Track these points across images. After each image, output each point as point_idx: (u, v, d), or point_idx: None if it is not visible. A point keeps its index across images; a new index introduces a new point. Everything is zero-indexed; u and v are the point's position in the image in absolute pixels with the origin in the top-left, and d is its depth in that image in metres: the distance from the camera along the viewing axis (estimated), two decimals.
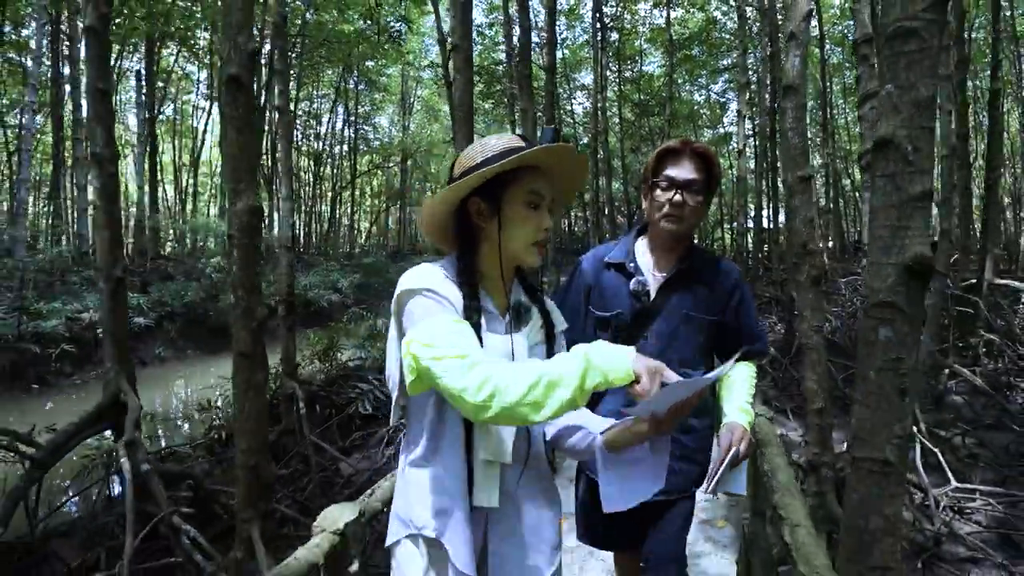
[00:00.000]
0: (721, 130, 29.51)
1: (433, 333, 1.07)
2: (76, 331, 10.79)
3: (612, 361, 1.00)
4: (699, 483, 1.79)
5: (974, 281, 9.90)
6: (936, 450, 5.20)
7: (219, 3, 12.87)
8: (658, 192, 1.72)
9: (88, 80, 3.76)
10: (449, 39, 4.27)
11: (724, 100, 27.25)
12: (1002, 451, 5.77)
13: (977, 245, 12.96)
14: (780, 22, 11.19)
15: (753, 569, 2.59)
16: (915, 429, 5.62)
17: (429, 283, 1.16)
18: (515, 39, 14.35)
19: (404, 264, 25.27)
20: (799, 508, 1.96)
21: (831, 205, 22.52)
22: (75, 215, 14.62)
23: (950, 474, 4.88)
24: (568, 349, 1.60)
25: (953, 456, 5.69)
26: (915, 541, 4.21)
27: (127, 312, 3.92)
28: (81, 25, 14.85)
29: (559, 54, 17.71)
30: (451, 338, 1.07)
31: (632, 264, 1.80)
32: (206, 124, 21.41)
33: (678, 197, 1.69)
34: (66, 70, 13.57)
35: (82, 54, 15.16)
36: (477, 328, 1.14)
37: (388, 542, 1.25)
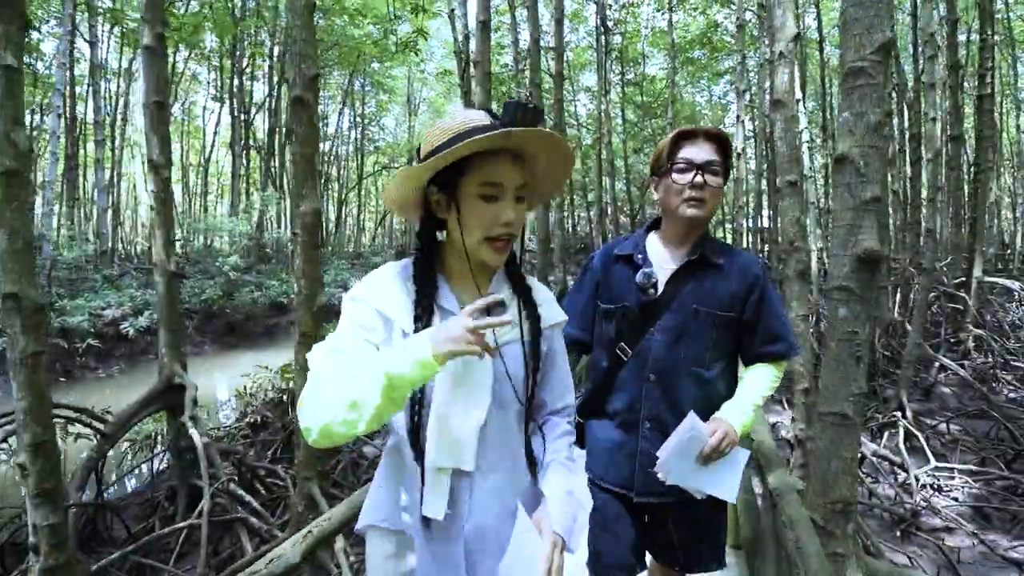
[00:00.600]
0: (731, 118, 29.88)
1: (321, 351, 1.05)
2: (99, 327, 11.20)
3: (405, 362, 0.92)
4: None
5: (964, 279, 10.30)
6: (919, 434, 5.60)
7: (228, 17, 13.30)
8: (676, 176, 1.62)
9: (145, 94, 4.17)
10: (473, 57, 4.67)
11: (726, 102, 27.56)
12: (983, 437, 6.15)
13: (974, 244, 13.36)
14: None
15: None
16: (901, 416, 6.03)
17: (364, 290, 1.12)
18: (521, 43, 14.76)
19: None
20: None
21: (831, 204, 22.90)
22: (95, 215, 15.06)
23: (930, 455, 5.28)
24: (575, 349, 1.78)
25: (937, 441, 6.09)
26: (896, 514, 4.61)
27: (179, 304, 4.34)
28: (103, 29, 15.29)
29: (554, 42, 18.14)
30: (324, 360, 1.03)
31: (640, 256, 1.70)
32: (216, 125, 21.83)
33: (699, 178, 1.60)
34: (73, 72, 14.01)
35: (103, 60, 15.59)
36: (419, 327, 1.06)
37: (357, 526, 1.21)
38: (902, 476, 5.18)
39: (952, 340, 9.81)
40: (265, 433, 5.72)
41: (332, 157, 26.35)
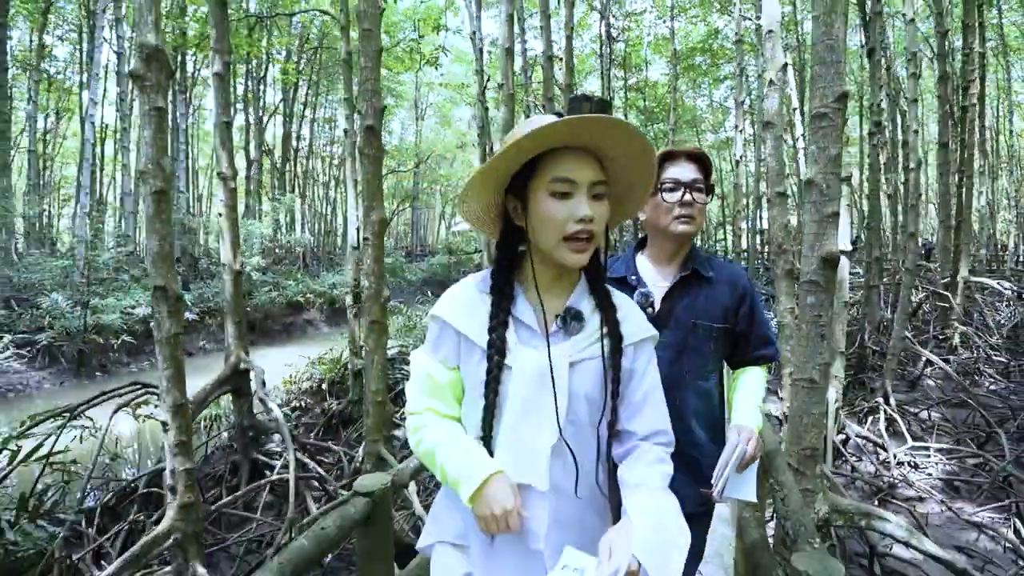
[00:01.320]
0: (723, 134, 30.45)
1: (412, 374, 1.19)
2: (130, 324, 11.81)
3: (458, 483, 1.05)
4: (710, 503, 1.64)
5: (950, 279, 10.88)
6: (899, 418, 6.17)
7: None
8: (665, 195, 1.68)
9: (216, 116, 4.77)
10: (500, 81, 5.26)
11: (726, 106, 28.13)
12: (960, 423, 6.72)
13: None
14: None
15: None
16: (884, 403, 6.59)
17: (440, 307, 1.15)
18: (529, 54, 15.38)
19: (419, 264, 26.36)
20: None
21: None
22: (119, 218, 15.68)
23: (908, 437, 5.85)
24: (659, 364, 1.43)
25: (918, 426, 6.66)
26: (875, 486, 5.19)
27: (243, 297, 4.93)
28: (129, 42, 15.93)
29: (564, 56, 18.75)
30: (413, 388, 1.18)
31: (634, 277, 1.74)
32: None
33: (687, 196, 1.67)
34: (96, 82, 14.61)
35: (133, 72, 16.19)
36: (500, 344, 1.07)
37: (419, 544, 1.23)
38: (883, 455, 5.75)
39: (940, 337, 10.37)
40: (307, 417, 6.30)
41: (340, 161, 26.93)
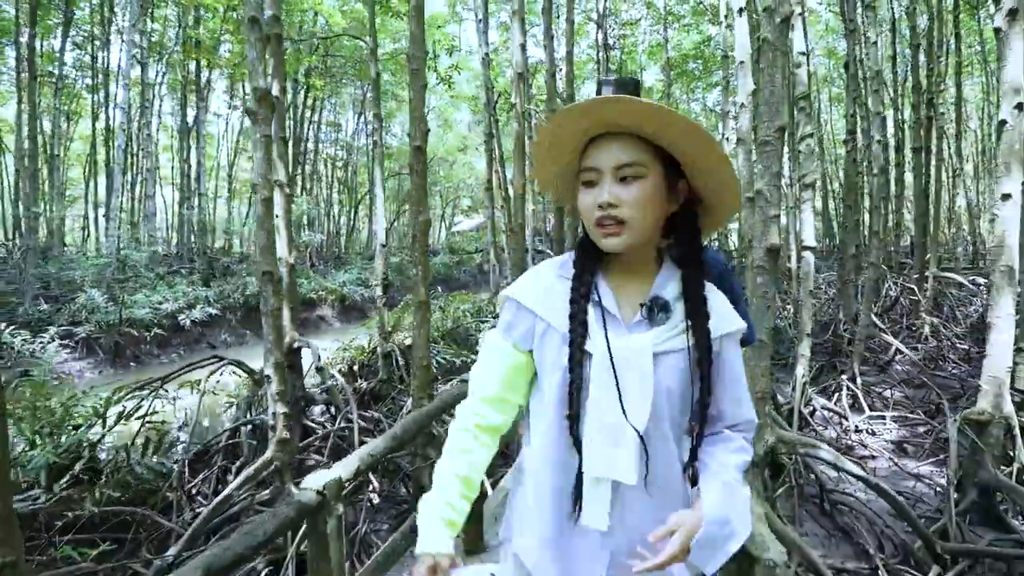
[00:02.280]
0: (717, 136, 31.37)
1: (481, 356, 1.18)
2: (158, 318, 12.63)
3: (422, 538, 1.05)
4: None
5: (924, 273, 11.79)
6: (860, 395, 7.05)
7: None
8: None
9: (274, 132, 5.61)
10: (513, 102, 6.12)
11: (717, 111, 29.00)
12: (918, 400, 7.60)
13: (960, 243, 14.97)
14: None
15: None
16: (850, 382, 7.46)
17: (515, 288, 1.14)
18: (530, 60, 16.24)
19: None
20: None
21: (824, 207, 24.49)
22: (141, 219, 16.50)
23: (867, 409, 6.73)
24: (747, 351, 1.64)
25: (881, 402, 7.53)
26: (835, 448, 6.05)
27: (297, 288, 5.77)
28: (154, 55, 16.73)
29: (564, 68, 19.70)
30: (484, 368, 1.15)
31: None
32: (238, 134, 23.21)
33: None
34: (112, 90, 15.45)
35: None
36: (582, 330, 1.05)
37: (501, 536, 1.24)
38: (845, 424, 6.62)
39: (911, 327, 11.27)
40: (342, 395, 7.12)
41: (344, 164, 27.76)
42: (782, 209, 9.75)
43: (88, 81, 18.60)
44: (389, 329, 7.03)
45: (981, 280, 12.63)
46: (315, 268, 19.05)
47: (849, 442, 6.17)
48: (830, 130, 28.21)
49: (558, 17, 15.04)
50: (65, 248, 19.89)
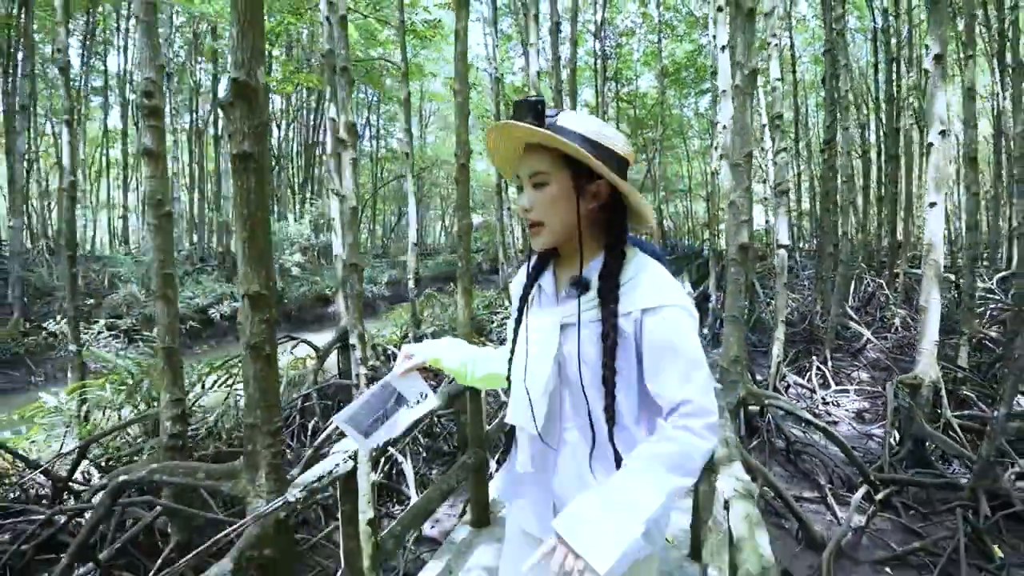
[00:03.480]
0: (709, 140, 32.45)
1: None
2: (191, 312, 13.60)
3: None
4: None
5: (895, 271, 12.92)
6: (829, 374, 8.13)
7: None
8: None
9: (331, 148, 6.61)
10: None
11: (708, 117, 30.06)
12: (880, 380, 8.69)
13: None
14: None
15: None
16: (820, 363, 8.53)
17: (513, 281, 1.44)
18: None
19: (427, 262, 28.17)
20: None
21: (812, 209, 25.62)
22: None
23: (833, 384, 7.81)
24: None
25: (847, 381, 8.61)
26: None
27: (362, 283, 6.76)
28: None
29: (563, 74, 20.83)
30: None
31: None
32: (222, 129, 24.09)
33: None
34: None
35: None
36: (521, 305, 1.31)
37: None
38: (815, 397, 7.70)
39: (883, 319, 12.38)
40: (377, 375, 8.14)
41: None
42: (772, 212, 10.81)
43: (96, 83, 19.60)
44: (420, 317, 8.05)
45: (951, 276, 13.80)
46: (330, 266, 20.05)
47: (817, 411, 7.23)
48: (819, 133, 29.38)
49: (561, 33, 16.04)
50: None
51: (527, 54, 7.20)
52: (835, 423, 6.95)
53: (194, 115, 20.10)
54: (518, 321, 1.29)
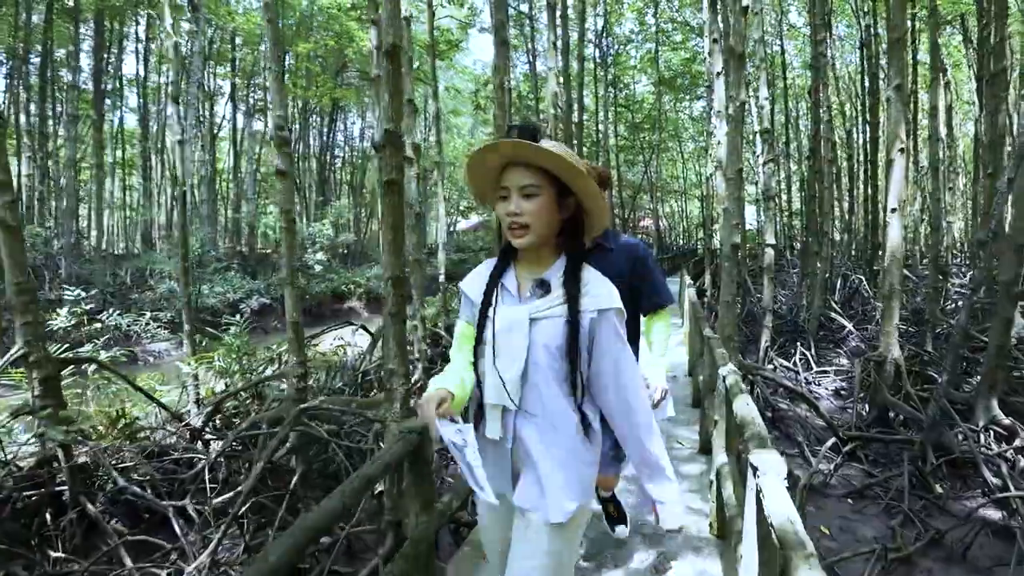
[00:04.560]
0: (703, 142, 33.51)
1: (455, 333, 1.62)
2: (224, 305, 14.56)
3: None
4: None
5: (875, 268, 14.01)
6: (811, 358, 9.19)
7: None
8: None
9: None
10: (550, 135, 8.20)
11: (702, 120, 31.06)
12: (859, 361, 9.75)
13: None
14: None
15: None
16: (805, 349, 9.59)
17: (463, 282, 1.62)
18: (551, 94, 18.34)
19: (434, 259, 29.16)
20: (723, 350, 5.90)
21: (802, 210, 26.69)
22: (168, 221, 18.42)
23: (814, 366, 8.87)
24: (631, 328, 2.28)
25: (828, 364, 9.67)
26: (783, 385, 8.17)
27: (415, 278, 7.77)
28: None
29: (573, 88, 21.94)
30: (453, 346, 1.60)
31: None
32: (243, 135, 24.95)
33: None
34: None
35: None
36: (486, 302, 1.49)
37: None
38: (798, 378, 8.75)
39: (865, 313, 13.47)
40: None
41: (352, 168, 29.56)
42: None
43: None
44: (448, 308, 9.08)
45: (927, 273, 14.90)
46: (344, 265, 21.00)
47: (800, 390, 8.28)
48: (808, 137, 30.42)
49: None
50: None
51: (549, 79, 8.23)
52: (816, 399, 8.00)
53: (206, 117, 21.03)
54: (483, 315, 1.49)
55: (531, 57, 18.67)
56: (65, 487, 3.90)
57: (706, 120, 16.86)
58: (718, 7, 7.11)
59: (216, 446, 4.70)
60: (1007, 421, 5.78)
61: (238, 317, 7.98)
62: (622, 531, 2.96)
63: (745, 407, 2.31)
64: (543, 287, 1.45)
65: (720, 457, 2.98)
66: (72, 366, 4.54)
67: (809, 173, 12.68)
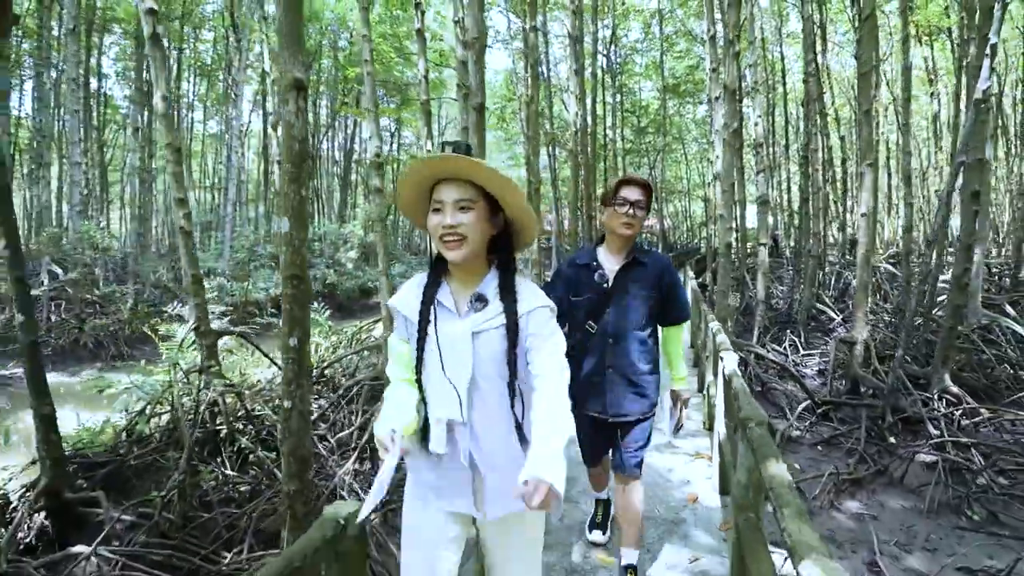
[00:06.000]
0: (705, 144, 34.58)
1: (388, 351, 1.68)
2: (267, 300, 15.88)
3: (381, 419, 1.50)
4: (650, 410, 2.55)
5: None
6: (798, 342, 10.46)
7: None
8: (617, 208, 2.43)
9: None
10: (570, 148, 9.47)
11: (706, 124, 32.14)
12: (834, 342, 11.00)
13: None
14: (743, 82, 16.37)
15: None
16: (794, 336, 10.85)
17: (394, 299, 1.62)
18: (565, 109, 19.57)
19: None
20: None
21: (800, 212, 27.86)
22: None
23: (802, 350, 10.15)
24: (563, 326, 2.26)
25: (814, 349, 10.93)
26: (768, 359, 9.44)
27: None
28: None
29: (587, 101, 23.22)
30: (390, 363, 1.64)
31: (595, 262, 2.53)
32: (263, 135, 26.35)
33: (630, 211, 2.41)
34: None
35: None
36: (424, 320, 1.52)
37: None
38: (787, 360, 10.02)
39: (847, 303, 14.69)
40: None
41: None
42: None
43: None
44: None
45: (918, 270, 16.13)
46: (367, 263, 22.35)
47: (783, 363, 9.56)
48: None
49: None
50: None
51: (570, 102, 9.50)
52: (801, 376, 9.28)
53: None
54: (423, 332, 1.52)
55: (545, 70, 19.95)
56: (222, 426, 5.23)
57: (709, 124, 18.07)
58: (716, 39, 8.38)
59: (323, 402, 6.03)
60: (955, 390, 7.05)
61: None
62: (598, 536, 3.09)
63: (721, 335, 3.65)
64: (481, 301, 1.52)
65: (709, 377, 4.33)
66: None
67: (802, 179, 13.92)
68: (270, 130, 22.00)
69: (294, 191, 2.73)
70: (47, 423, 4.08)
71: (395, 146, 29.49)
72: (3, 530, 3.86)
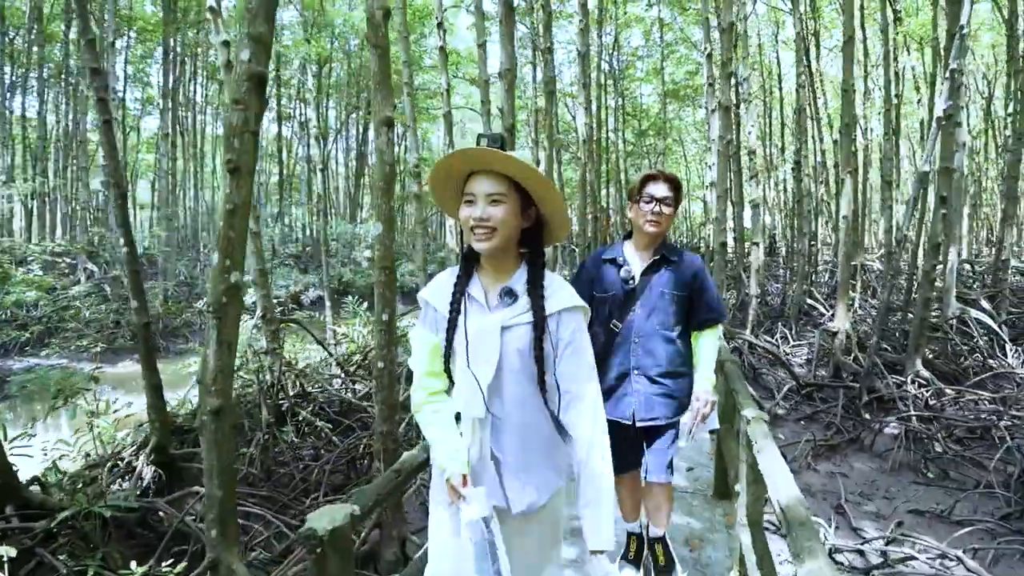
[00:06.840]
0: (706, 145, 35.35)
1: (412, 347, 1.62)
2: (287, 297, 16.74)
3: (442, 461, 1.52)
4: (679, 414, 2.45)
5: (853, 263, 16.10)
6: (788, 333, 11.32)
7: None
8: (642, 205, 2.38)
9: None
10: (578, 156, 10.31)
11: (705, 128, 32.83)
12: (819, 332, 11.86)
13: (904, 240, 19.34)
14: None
15: None
16: (785, 328, 11.70)
17: (424, 292, 1.62)
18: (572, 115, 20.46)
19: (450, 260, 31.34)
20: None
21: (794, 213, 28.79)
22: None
23: (791, 340, 11.01)
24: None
25: (803, 339, 11.78)
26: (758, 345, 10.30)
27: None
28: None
29: (594, 107, 23.90)
30: (414, 354, 1.60)
31: (621, 258, 2.46)
32: (294, 148, 27.15)
33: (657, 207, 2.36)
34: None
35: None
36: (455, 313, 1.52)
37: (430, 504, 1.72)
38: (777, 350, 10.87)
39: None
40: None
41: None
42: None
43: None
44: None
45: (905, 266, 16.99)
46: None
47: (771, 349, 10.41)
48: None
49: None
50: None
51: (579, 113, 10.30)
52: (790, 364, 10.13)
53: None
54: (453, 324, 1.53)
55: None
56: (284, 401, 6.09)
57: (707, 128, 18.85)
58: (713, 57, 9.22)
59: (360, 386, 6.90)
60: (926, 374, 7.91)
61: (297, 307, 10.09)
62: (631, 574, 2.73)
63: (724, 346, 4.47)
64: (511, 295, 1.52)
65: None
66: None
67: (794, 182, 14.78)
68: (283, 132, 22.84)
69: (385, 202, 3.58)
70: (156, 392, 4.94)
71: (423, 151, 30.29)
72: (126, 478, 4.73)
